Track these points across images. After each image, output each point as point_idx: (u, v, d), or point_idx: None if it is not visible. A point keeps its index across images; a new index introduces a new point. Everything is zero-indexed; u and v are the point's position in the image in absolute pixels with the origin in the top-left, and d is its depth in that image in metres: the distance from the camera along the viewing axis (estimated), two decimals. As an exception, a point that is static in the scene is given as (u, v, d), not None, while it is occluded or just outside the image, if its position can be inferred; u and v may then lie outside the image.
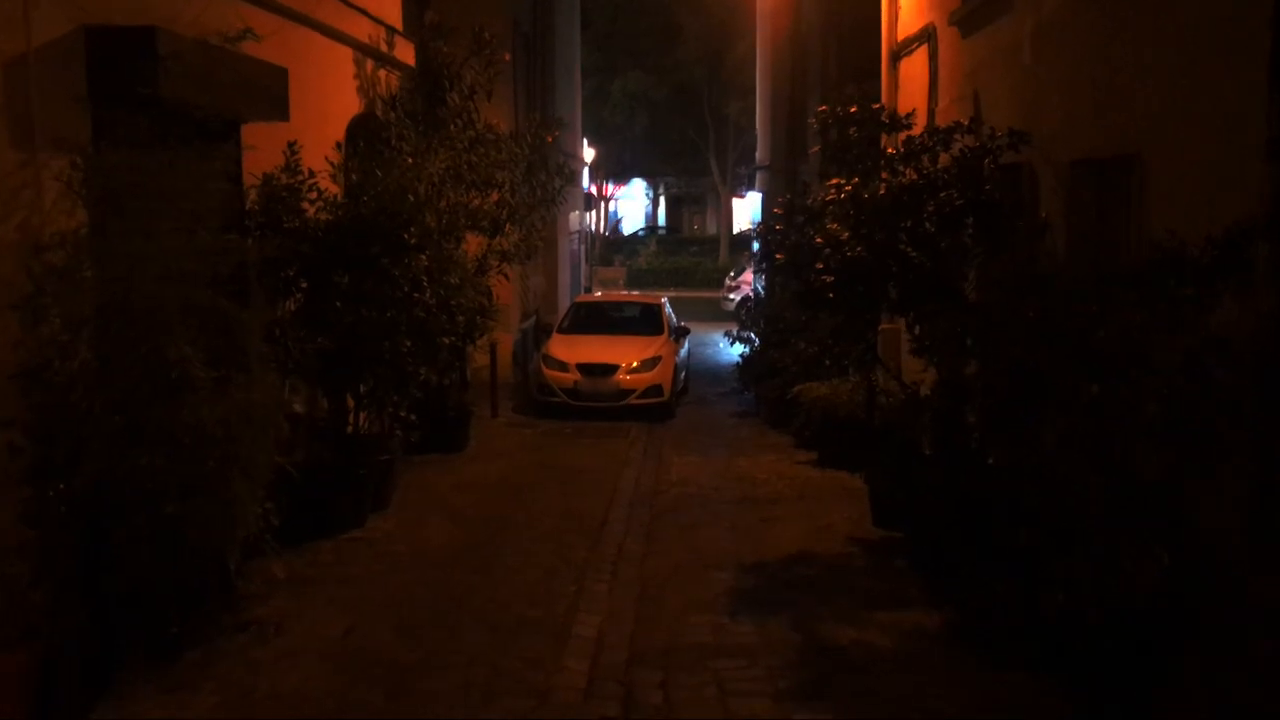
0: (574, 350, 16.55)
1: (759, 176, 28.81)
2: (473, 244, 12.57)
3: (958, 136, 8.60)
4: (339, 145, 9.57)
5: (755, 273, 19.07)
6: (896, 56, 13.18)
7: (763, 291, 20.24)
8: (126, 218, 6.50)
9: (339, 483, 9.05)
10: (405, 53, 12.90)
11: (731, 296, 32.87)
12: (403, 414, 9.72)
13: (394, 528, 9.34)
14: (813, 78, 20.85)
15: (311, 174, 9.04)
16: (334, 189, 9.48)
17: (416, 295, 9.13)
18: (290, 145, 8.89)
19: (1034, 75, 8.52)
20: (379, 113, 12.01)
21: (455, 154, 11.80)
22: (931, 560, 7.91)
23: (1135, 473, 5.22)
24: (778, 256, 8.86)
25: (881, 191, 8.25)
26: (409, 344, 9.45)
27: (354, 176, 9.65)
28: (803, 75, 22.25)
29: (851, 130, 8.72)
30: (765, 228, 9.31)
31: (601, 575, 8.25)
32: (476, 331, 11.37)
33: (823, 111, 8.95)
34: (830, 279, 7.99)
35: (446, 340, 9.91)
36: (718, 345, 23.80)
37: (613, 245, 49.80)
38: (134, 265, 6.05)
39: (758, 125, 29.17)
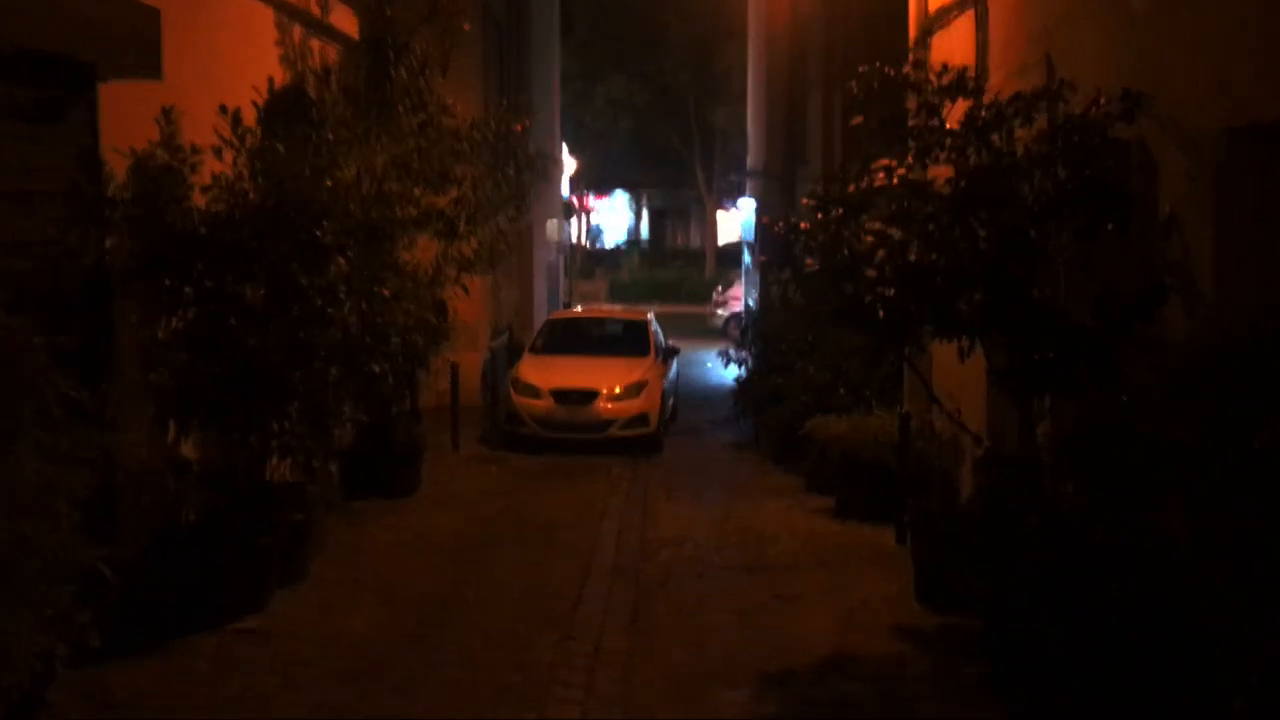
0: (548, 373, 14.41)
1: (750, 184, 26.89)
2: (430, 249, 10.44)
3: (1043, 105, 6.57)
4: (222, 109, 7.36)
5: (768, 284, 16.85)
6: (928, 31, 11.12)
7: (755, 306, 18.19)
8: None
9: (232, 553, 6.95)
10: (345, 21, 10.87)
11: (720, 312, 31.16)
12: (316, 463, 7.56)
13: (305, 612, 7.20)
14: (814, 74, 18.90)
15: (195, 150, 6.93)
16: (231, 173, 7.36)
17: (331, 311, 6.99)
18: (165, 112, 6.77)
19: (1150, 26, 6.46)
20: (311, 90, 9.94)
21: (401, 138, 9.66)
22: (1021, 675, 5.83)
23: None
24: (808, 262, 6.72)
25: (951, 175, 6.19)
26: (335, 373, 7.39)
27: (245, 157, 7.49)
28: (802, 72, 20.32)
29: (907, 96, 6.65)
30: (786, 225, 7.17)
31: (572, 691, 6.12)
32: (424, 354, 9.23)
33: (864, 72, 6.86)
34: (890, 291, 5.88)
35: (378, 368, 7.74)
36: (706, 365, 21.80)
37: (594, 258, 47.97)
38: None
39: (749, 128, 27.24)
